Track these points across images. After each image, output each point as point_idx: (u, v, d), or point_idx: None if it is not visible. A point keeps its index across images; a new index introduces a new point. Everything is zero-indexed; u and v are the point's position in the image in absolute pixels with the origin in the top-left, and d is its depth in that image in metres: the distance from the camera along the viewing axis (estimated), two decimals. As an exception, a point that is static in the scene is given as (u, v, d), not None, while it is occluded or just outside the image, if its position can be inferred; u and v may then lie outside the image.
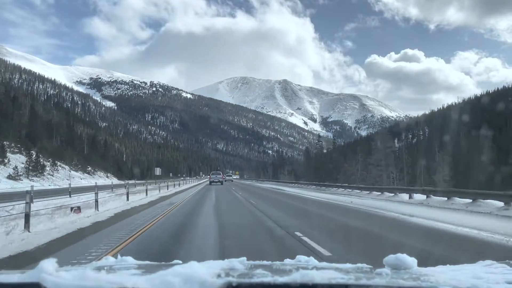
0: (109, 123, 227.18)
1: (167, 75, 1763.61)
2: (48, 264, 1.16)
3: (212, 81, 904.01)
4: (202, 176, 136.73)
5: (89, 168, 74.77)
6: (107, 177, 76.68)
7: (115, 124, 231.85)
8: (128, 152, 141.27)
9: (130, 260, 1.73)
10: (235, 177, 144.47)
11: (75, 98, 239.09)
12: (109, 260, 1.76)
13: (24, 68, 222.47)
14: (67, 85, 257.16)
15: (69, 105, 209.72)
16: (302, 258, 1.81)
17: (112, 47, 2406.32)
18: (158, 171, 45.33)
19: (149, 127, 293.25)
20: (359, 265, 1.57)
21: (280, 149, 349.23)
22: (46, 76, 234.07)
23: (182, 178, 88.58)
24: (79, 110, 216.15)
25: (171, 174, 75.68)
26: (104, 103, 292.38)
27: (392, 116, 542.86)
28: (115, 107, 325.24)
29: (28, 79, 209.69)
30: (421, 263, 1.55)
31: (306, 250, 6.31)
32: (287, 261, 1.80)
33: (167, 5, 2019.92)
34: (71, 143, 75.05)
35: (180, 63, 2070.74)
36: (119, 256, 1.78)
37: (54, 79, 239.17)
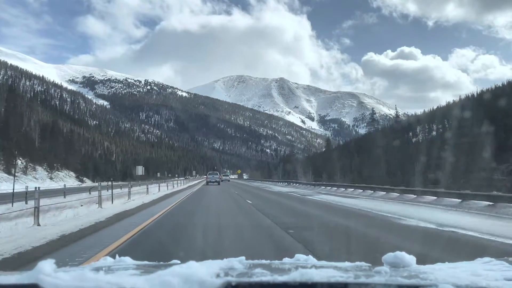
0: (100, 121, 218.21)
1: (163, 74, 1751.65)
2: (46, 265, 1.14)
3: (208, 80, 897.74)
4: (196, 176, 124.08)
5: (20, 165, 54.95)
6: (51, 178, 58.93)
7: (106, 122, 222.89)
8: (119, 151, 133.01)
9: (128, 260, 1.71)
10: (232, 177, 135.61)
11: (64, 95, 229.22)
12: (108, 260, 1.73)
13: (11, 65, 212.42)
14: (57, 83, 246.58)
15: (57, 103, 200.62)
16: (301, 257, 1.77)
17: (107, 46, 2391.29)
18: (140, 170, 36.59)
19: (143, 125, 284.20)
20: (357, 263, 1.56)
21: (279, 148, 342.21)
22: (34, 73, 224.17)
23: (175, 178, 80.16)
24: (68, 108, 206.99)
25: (158, 174, 66.90)
26: (96, 102, 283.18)
27: (391, 114, 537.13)
28: (108, 106, 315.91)
29: (14, 76, 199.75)
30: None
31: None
32: (286, 260, 1.76)
33: (162, 3, 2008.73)
34: (4, 131, 56.43)
35: (176, 61, 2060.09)
36: (117, 257, 1.74)
37: (42, 76, 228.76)
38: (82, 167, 68.99)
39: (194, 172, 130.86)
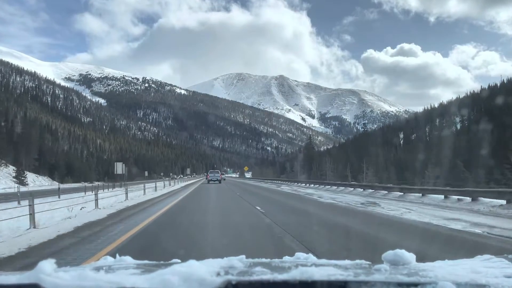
0: (94, 118, 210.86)
1: (161, 71, 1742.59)
2: (47, 265, 1.14)
3: (207, 77, 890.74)
4: (191, 175, 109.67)
5: None
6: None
7: (100, 120, 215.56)
8: (112, 149, 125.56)
9: (128, 259, 1.70)
10: (233, 175, 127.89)
11: (56, 91, 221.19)
12: (108, 260, 1.73)
13: (2, 60, 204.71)
14: (50, 79, 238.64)
15: (48, 99, 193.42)
16: (301, 255, 1.78)
17: (105, 44, 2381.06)
18: (120, 167, 29.20)
19: (140, 123, 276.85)
20: (357, 261, 1.56)
21: (280, 146, 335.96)
22: (26, 69, 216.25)
23: (169, 177, 72.81)
24: (60, 104, 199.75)
25: (146, 173, 59.52)
26: (93, 99, 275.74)
27: (392, 111, 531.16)
28: (105, 104, 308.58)
29: (4, 72, 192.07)
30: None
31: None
32: (286, 258, 1.77)
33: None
34: None
35: (175, 59, 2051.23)
36: (117, 256, 1.75)
37: (34, 72, 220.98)
38: (40, 164, 59.63)
39: (188, 171, 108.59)
